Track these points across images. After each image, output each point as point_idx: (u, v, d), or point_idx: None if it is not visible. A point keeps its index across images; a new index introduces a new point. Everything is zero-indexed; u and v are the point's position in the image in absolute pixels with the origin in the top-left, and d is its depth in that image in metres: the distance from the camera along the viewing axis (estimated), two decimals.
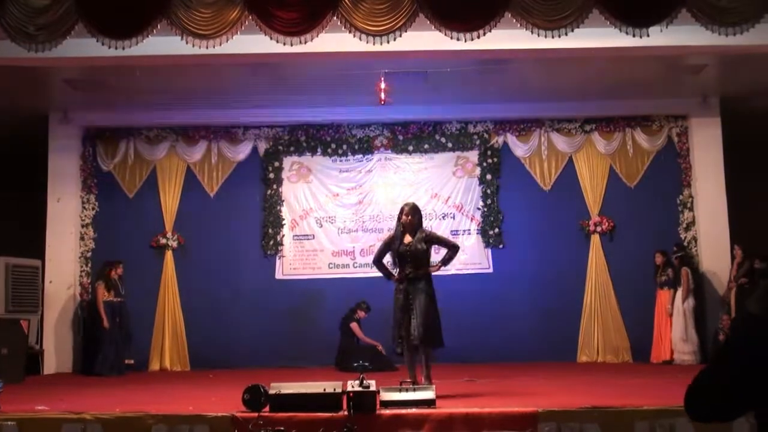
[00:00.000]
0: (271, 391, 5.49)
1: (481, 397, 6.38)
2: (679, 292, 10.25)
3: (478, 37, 6.93)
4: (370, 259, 11.01)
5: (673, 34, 7.24)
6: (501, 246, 11.23)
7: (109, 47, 7.00)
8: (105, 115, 11.13)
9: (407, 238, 6.97)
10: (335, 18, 6.83)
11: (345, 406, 5.41)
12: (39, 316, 10.52)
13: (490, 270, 11.21)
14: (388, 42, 6.94)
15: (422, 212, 7.35)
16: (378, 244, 7.98)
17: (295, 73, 9.66)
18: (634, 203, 11.17)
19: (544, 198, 11.30)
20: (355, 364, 9.28)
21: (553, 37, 6.91)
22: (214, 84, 10.04)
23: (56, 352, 10.69)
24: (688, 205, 11.06)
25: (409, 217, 6.96)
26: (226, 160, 11.46)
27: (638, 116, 11.27)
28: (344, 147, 11.48)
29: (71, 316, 10.87)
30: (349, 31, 6.91)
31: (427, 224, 8.48)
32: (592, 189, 11.26)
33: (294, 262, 11.35)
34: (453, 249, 7.20)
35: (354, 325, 10.18)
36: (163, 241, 11.24)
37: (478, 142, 11.43)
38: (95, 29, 6.86)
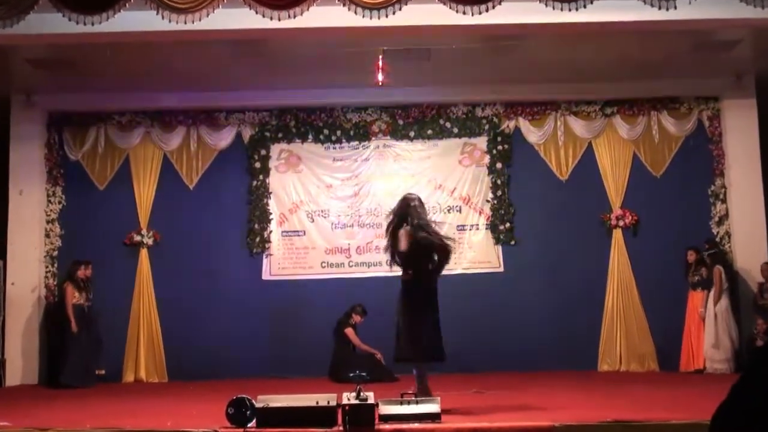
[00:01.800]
0: (258, 405, 5.51)
1: (491, 411, 6.41)
2: (712, 294, 10.25)
3: (487, 11, 6.93)
4: (366, 257, 11.14)
5: (704, 7, 7.26)
6: (512, 242, 11.24)
7: (77, 23, 7.01)
8: (72, 98, 11.11)
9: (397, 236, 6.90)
10: None
11: (340, 420, 5.44)
12: (0, 321, 10.55)
13: (501, 269, 11.23)
14: (386, 16, 6.95)
15: (412, 200, 7.02)
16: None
17: (283, 51, 9.65)
18: (660, 194, 11.18)
19: (560, 189, 11.30)
20: (351, 374, 9.42)
21: (570, 10, 6.91)
22: (194, 64, 10.03)
23: (20, 361, 10.70)
24: (721, 196, 11.07)
25: (392, 216, 6.95)
26: (207, 147, 11.46)
27: (665, 98, 11.27)
28: (338, 133, 11.48)
29: (36, 322, 10.88)
30: (344, 4, 6.91)
31: (430, 219, 7.81)
32: (614, 179, 11.27)
33: (283, 261, 11.35)
34: (441, 252, 6.81)
35: (349, 331, 10.19)
36: (137, 238, 11.24)
37: (487, 127, 11.44)
38: (61, 3, 6.86)
